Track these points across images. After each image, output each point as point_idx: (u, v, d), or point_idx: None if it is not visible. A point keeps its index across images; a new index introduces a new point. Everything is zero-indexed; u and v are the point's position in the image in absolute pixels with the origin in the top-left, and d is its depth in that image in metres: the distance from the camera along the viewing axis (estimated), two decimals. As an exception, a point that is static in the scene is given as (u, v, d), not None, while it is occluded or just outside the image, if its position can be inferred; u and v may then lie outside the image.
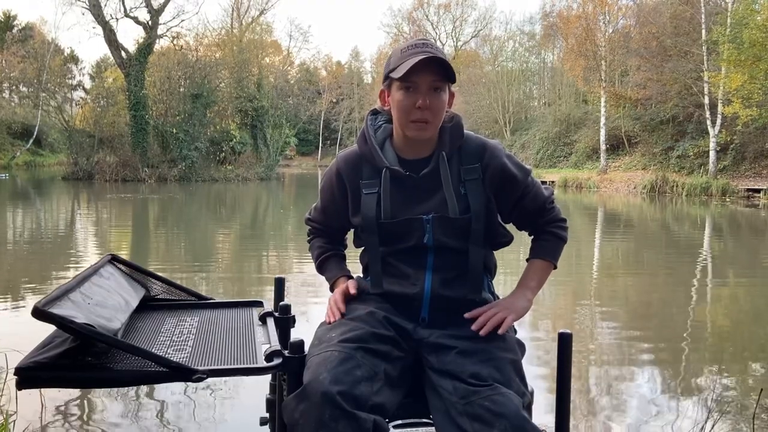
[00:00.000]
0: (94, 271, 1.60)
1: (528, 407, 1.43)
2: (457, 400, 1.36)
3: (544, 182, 1.83)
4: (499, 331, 1.49)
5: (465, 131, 1.60)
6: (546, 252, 1.66)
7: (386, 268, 1.62)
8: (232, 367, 1.44)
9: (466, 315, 1.53)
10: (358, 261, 1.73)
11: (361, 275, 1.73)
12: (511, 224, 1.71)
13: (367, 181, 1.60)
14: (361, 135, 1.63)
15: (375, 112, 1.68)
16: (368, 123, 1.64)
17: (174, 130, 27.01)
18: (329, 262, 1.78)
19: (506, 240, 1.68)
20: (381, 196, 1.58)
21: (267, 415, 1.79)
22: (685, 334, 4.87)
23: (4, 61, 42.77)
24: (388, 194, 1.58)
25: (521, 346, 1.58)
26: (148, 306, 1.82)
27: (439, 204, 1.55)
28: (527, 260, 1.69)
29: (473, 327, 1.50)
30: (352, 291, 1.63)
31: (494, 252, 1.69)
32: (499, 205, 1.61)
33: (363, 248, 1.68)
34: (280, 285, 1.98)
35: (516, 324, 1.65)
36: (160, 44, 29.72)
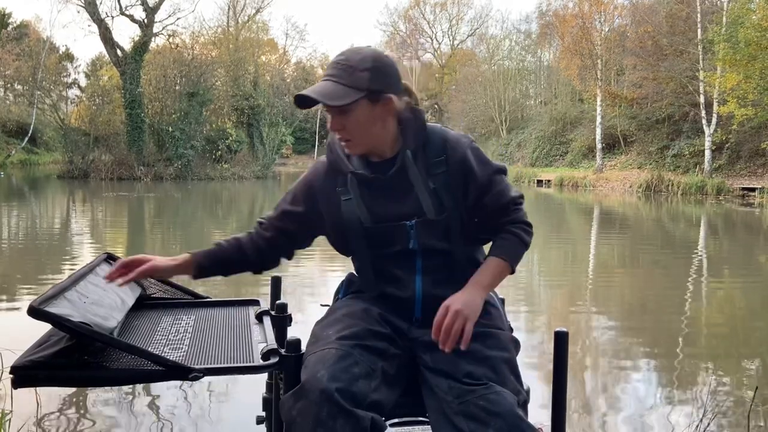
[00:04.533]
0: (90, 269, 1.60)
1: (524, 405, 1.43)
2: (452, 400, 1.36)
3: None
4: (463, 344, 1.40)
5: (430, 124, 1.58)
6: (504, 251, 1.55)
7: (377, 271, 1.60)
8: (229, 365, 1.44)
9: (433, 337, 1.43)
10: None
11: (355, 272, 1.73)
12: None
13: (342, 188, 1.58)
14: (328, 145, 1.62)
15: None
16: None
17: (170, 129, 26.93)
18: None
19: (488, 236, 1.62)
20: (355, 202, 1.56)
21: (263, 413, 1.79)
22: (680, 333, 4.88)
23: (-2, 59, 42.58)
24: (360, 198, 1.56)
25: (516, 344, 1.57)
26: (144, 305, 1.82)
27: (415, 205, 1.53)
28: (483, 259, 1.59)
29: (440, 345, 1.41)
30: (143, 268, 1.53)
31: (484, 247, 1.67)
32: (464, 201, 1.54)
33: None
34: (276, 284, 1.98)
35: (512, 323, 1.65)
36: (156, 42, 29.68)
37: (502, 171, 1.59)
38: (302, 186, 1.65)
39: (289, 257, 1.71)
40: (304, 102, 1.48)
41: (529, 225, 1.60)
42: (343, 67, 1.47)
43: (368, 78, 1.46)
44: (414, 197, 1.53)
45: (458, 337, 1.40)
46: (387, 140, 1.54)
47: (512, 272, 1.57)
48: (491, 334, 1.50)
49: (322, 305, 1.74)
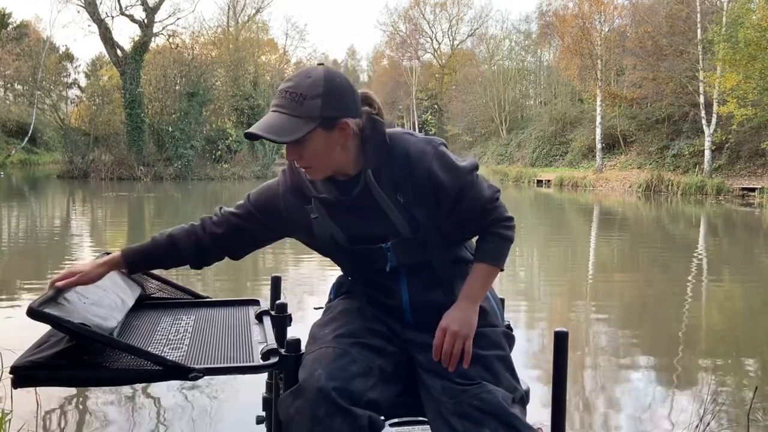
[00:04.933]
0: None
1: (520, 401, 1.42)
2: (447, 400, 1.37)
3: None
4: (465, 363, 1.41)
5: (393, 133, 1.49)
6: (489, 255, 1.52)
7: (361, 280, 1.59)
8: (229, 365, 1.44)
9: (434, 358, 1.44)
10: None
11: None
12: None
13: (310, 206, 1.52)
14: (289, 166, 1.54)
15: None
16: None
17: (170, 129, 26.92)
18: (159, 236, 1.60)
19: (470, 236, 1.61)
20: (326, 223, 1.51)
21: (263, 413, 1.79)
22: (680, 332, 4.88)
23: (-2, 59, 42.57)
24: (330, 219, 1.50)
25: (510, 339, 1.56)
26: (144, 305, 1.82)
27: (388, 224, 1.48)
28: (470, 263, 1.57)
29: (443, 365, 1.42)
30: (74, 279, 1.46)
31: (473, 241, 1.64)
32: (438, 210, 1.48)
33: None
34: (276, 283, 1.98)
35: (512, 322, 1.65)
36: (156, 42, 29.65)
37: (473, 169, 1.50)
38: (269, 194, 1.58)
39: (236, 257, 1.65)
40: (254, 138, 1.39)
41: (509, 219, 1.55)
42: (292, 97, 1.37)
43: (320, 105, 1.36)
44: (385, 216, 1.48)
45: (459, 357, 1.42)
46: (349, 161, 1.45)
47: (501, 270, 1.56)
48: (484, 332, 1.49)
49: (315, 309, 1.74)
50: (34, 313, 1.22)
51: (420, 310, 1.54)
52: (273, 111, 1.40)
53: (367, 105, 1.48)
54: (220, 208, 1.64)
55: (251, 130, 1.38)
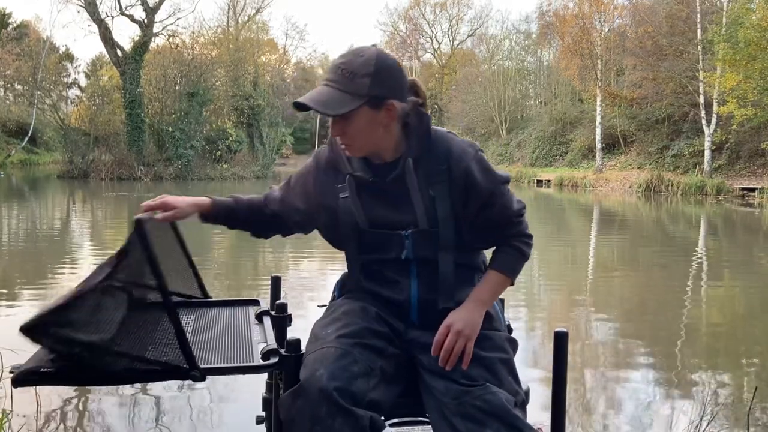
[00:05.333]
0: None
1: (522, 405, 1.43)
2: (450, 401, 1.36)
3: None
4: (464, 364, 1.41)
5: (437, 130, 1.54)
6: (505, 264, 1.56)
7: (370, 273, 1.60)
8: (229, 365, 1.44)
9: (432, 353, 1.45)
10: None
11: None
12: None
13: (341, 185, 1.56)
14: (329, 141, 1.59)
15: None
16: None
17: (170, 129, 26.92)
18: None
19: (488, 246, 1.63)
20: (352, 202, 1.54)
21: (263, 413, 1.79)
22: (679, 333, 4.88)
23: (-2, 59, 42.55)
24: (357, 199, 1.54)
25: (513, 344, 1.56)
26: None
27: (410, 213, 1.51)
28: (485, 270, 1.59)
29: (440, 363, 1.43)
30: (162, 215, 1.59)
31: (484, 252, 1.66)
32: (463, 211, 1.51)
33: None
34: (276, 283, 1.98)
35: (512, 323, 1.65)
36: (156, 42, 29.67)
37: (506, 181, 1.56)
38: (305, 173, 1.65)
39: (285, 235, 1.76)
40: (303, 108, 1.44)
41: (530, 237, 1.59)
42: (344, 72, 1.41)
43: (369, 84, 1.40)
44: (409, 205, 1.51)
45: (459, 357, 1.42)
46: (389, 144, 1.50)
47: (512, 284, 1.59)
48: (488, 335, 1.49)
49: (319, 306, 1.75)
50: (30, 332, 1.21)
51: (426, 308, 1.54)
52: (324, 85, 1.44)
53: (414, 94, 1.52)
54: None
55: (301, 100, 1.42)
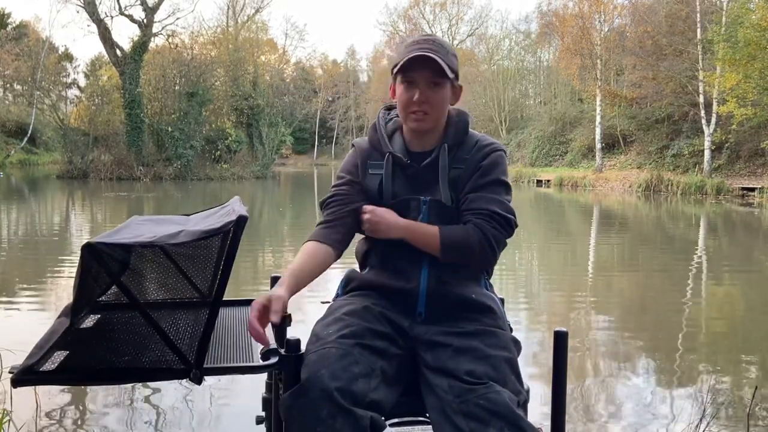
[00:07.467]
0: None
1: (524, 405, 1.43)
2: (453, 399, 1.36)
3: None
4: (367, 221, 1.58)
5: (472, 131, 1.65)
6: (450, 232, 1.54)
7: (383, 261, 1.63)
8: (229, 365, 1.44)
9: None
10: (354, 256, 1.73)
11: (357, 269, 1.73)
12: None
13: (375, 162, 1.65)
14: (372, 126, 1.70)
15: (389, 108, 1.75)
16: (380, 115, 1.72)
17: (169, 129, 26.92)
18: (302, 251, 1.62)
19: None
20: (383, 178, 1.63)
21: (263, 413, 1.79)
22: (679, 332, 4.88)
23: (-2, 59, 42.54)
24: (389, 177, 1.63)
25: (517, 344, 1.57)
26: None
27: (435, 191, 1.60)
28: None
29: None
30: (273, 318, 1.41)
31: None
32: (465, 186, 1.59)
33: (362, 237, 1.70)
34: (276, 283, 1.98)
35: (512, 322, 1.65)
36: (155, 42, 29.67)
37: (509, 187, 1.62)
38: (347, 174, 1.68)
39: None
40: (423, 58, 1.50)
41: (492, 248, 1.53)
42: (438, 47, 1.54)
43: (456, 63, 1.57)
44: (436, 189, 1.60)
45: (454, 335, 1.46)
46: (440, 126, 1.62)
47: (439, 255, 1.55)
48: (492, 333, 1.50)
49: (322, 302, 1.75)
50: (21, 382, 1.20)
51: (434, 300, 1.56)
52: (423, 53, 1.51)
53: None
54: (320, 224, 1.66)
55: (421, 52, 1.50)
